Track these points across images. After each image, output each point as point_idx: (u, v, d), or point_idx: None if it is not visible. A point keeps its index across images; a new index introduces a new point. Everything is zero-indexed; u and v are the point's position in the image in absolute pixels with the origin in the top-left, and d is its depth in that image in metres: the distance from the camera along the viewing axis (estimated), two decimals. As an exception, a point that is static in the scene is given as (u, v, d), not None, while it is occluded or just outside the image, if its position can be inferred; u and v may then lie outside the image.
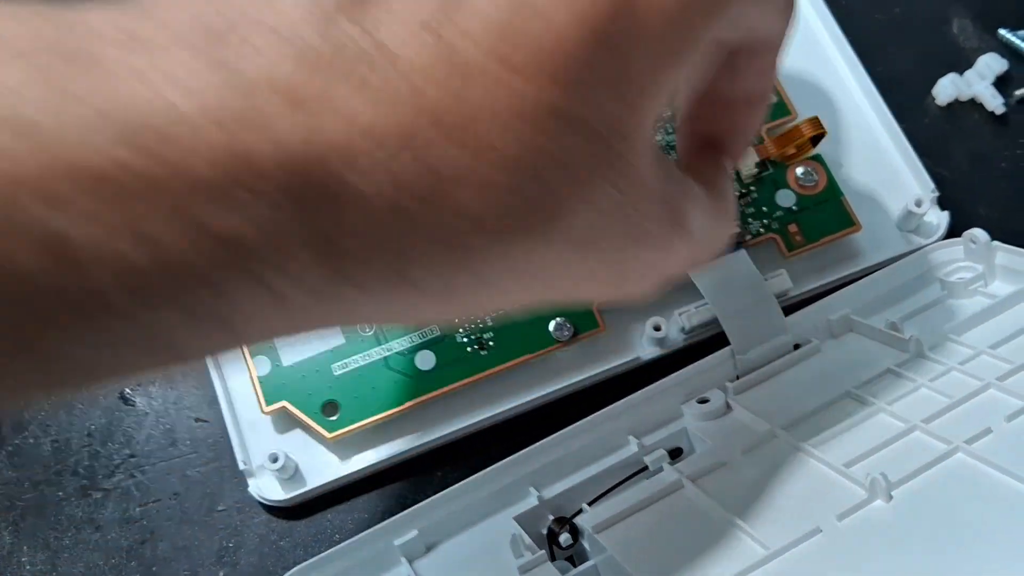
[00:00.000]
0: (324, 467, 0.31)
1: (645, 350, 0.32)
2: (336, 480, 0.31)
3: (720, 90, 0.21)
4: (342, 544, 0.27)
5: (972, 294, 0.31)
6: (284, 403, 0.30)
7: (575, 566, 0.26)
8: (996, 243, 0.32)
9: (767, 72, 0.22)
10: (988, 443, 0.24)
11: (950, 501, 0.23)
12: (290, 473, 0.30)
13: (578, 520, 0.27)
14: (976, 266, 0.32)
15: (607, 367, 0.32)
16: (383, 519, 0.28)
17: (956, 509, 0.23)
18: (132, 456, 0.32)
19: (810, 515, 0.24)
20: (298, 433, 0.31)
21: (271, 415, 0.31)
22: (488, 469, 0.28)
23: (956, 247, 0.32)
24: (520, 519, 0.27)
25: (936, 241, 0.33)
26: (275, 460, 0.30)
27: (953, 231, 0.33)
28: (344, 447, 0.31)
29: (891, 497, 0.23)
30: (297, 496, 0.30)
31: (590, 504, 0.28)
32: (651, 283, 0.19)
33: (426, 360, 0.31)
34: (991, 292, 0.31)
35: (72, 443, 0.32)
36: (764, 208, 0.33)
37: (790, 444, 0.27)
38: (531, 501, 0.28)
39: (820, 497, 0.24)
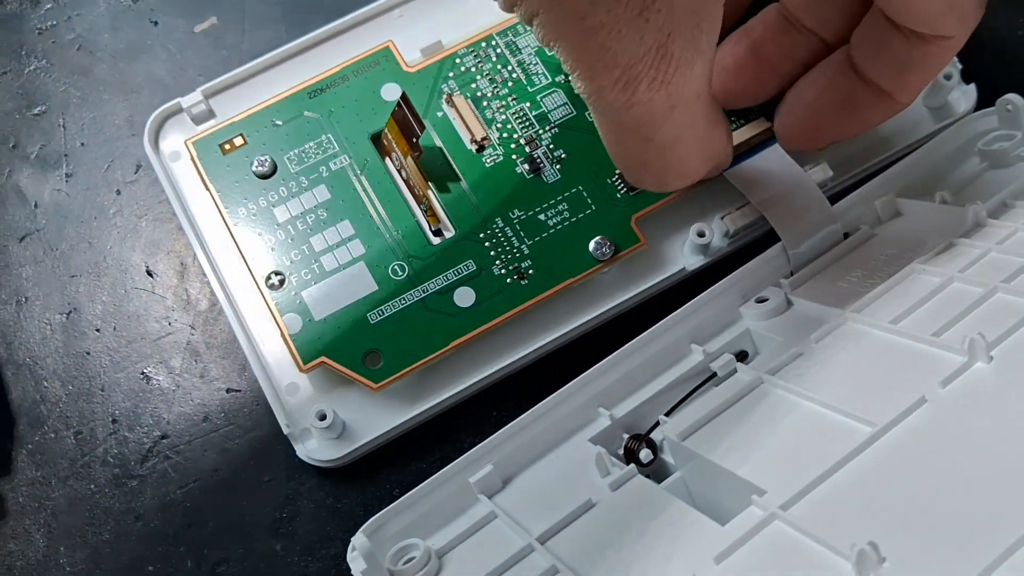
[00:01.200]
0: (374, 421, 0.29)
1: (690, 260, 0.31)
2: (388, 432, 0.29)
3: None
4: (416, 488, 0.25)
5: (1016, 160, 0.30)
6: (323, 358, 0.28)
7: (658, 483, 0.25)
8: (1032, 104, 0.31)
9: None
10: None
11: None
12: (339, 431, 0.29)
13: (656, 434, 0.25)
14: (1015, 132, 0.31)
15: (654, 282, 0.30)
16: (443, 466, 0.27)
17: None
18: (164, 437, 0.30)
19: (910, 387, 0.22)
20: (341, 389, 0.29)
21: (309, 373, 0.29)
22: (553, 395, 0.27)
23: (991, 116, 0.31)
24: (595, 440, 0.26)
25: (965, 113, 0.32)
26: (323, 418, 0.28)
27: (980, 105, 0.32)
28: (391, 397, 0.29)
29: (991, 358, 0.22)
30: (349, 454, 0.29)
31: (667, 414, 0.26)
32: None
33: (465, 297, 0.29)
34: (1037, 156, 0.30)
35: (97, 432, 0.30)
36: (792, 100, 0.32)
37: (867, 325, 0.25)
38: (603, 421, 0.26)
39: (915, 369, 0.23)
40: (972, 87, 0.33)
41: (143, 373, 0.30)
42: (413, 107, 0.29)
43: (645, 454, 0.25)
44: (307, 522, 0.28)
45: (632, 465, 0.24)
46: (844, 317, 0.26)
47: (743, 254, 0.30)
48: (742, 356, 0.28)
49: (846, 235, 0.30)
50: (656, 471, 0.26)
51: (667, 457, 0.25)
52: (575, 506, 0.24)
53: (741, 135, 0.31)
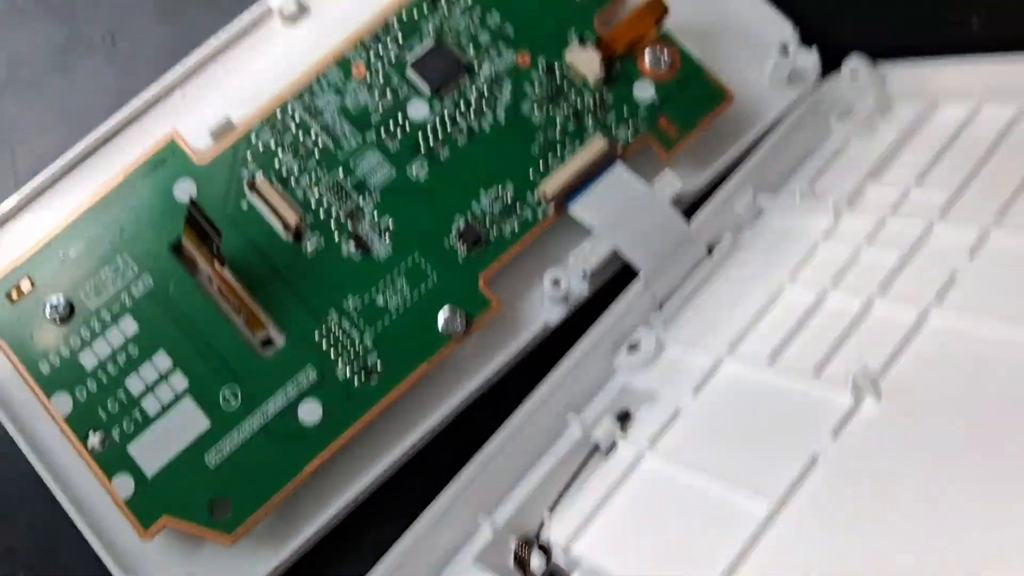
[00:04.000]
0: (246, 570, 0.26)
1: (551, 313, 0.28)
2: (266, 578, 0.26)
3: None
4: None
5: (874, 129, 0.28)
6: (165, 518, 0.25)
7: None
8: (881, 63, 0.28)
9: None
10: (959, 293, 0.21)
11: (948, 376, 0.20)
12: (204, 595, 0.25)
13: (544, 536, 0.23)
14: (867, 98, 0.28)
15: (517, 347, 0.27)
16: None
17: (960, 384, 0.19)
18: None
19: (800, 443, 0.20)
20: (196, 549, 0.26)
21: (153, 539, 0.25)
22: (423, 515, 0.24)
23: (838, 83, 0.29)
24: (482, 558, 0.23)
25: (813, 84, 0.30)
26: (181, 590, 0.25)
27: (829, 66, 0.30)
28: (254, 544, 0.26)
29: (880, 395, 0.20)
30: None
31: (551, 510, 0.23)
32: None
33: (311, 412, 0.26)
34: (895, 119, 0.28)
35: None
36: (625, 110, 0.29)
37: (744, 365, 0.23)
38: (485, 533, 0.23)
39: (802, 416, 0.21)
40: (814, 50, 0.30)
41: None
42: (202, 210, 0.25)
43: (537, 565, 0.23)
44: None
45: (520, 590, 0.21)
46: (720, 358, 0.23)
47: (609, 292, 0.27)
48: (624, 416, 0.25)
49: (711, 249, 0.27)
50: (558, 571, 0.23)
51: (560, 561, 0.23)
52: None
53: (582, 158, 0.28)
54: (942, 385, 0.19)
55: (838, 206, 0.25)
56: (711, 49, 0.30)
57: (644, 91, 0.29)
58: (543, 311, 0.27)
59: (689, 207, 0.28)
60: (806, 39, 0.30)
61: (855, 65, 0.28)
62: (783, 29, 0.30)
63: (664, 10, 0.29)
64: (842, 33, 0.31)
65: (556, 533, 0.22)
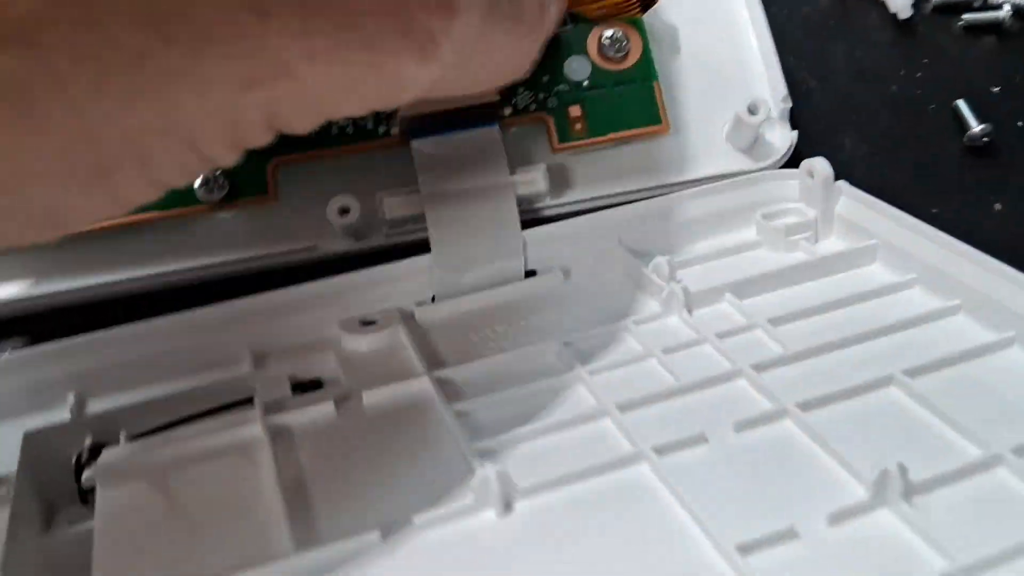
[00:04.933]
0: None
1: (330, 240, 0.23)
2: None
3: None
4: None
5: (792, 246, 0.22)
6: None
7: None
8: (841, 183, 0.22)
9: None
10: (693, 454, 0.16)
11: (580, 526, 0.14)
12: None
13: (102, 456, 0.18)
14: (809, 210, 0.23)
15: (269, 251, 0.23)
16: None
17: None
18: None
19: (376, 507, 0.15)
20: None
21: None
22: (15, 352, 0.19)
23: (791, 180, 0.23)
24: (35, 437, 0.18)
25: (769, 167, 0.24)
26: None
27: (799, 162, 0.24)
28: None
29: (510, 509, 0.15)
30: None
31: (136, 437, 0.19)
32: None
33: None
34: (817, 249, 0.22)
35: None
36: (544, 77, 0.23)
37: (421, 397, 0.18)
38: (62, 414, 0.19)
39: (431, 485, 0.16)
40: (793, 134, 0.24)
41: None
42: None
43: (88, 476, 0.18)
44: None
45: (12, 493, 0.17)
46: (422, 381, 0.18)
47: (406, 252, 0.22)
48: (313, 386, 0.20)
49: (531, 273, 0.22)
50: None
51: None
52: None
53: (453, 100, 0.22)
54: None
55: (672, 301, 0.20)
56: (684, 69, 0.25)
57: (578, 68, 0.23)
58: (324, 233, 0.23)
59: (542, 219, 0.23)
60: (795, 122, 0.24)
61: (815, 168, 0.22)
62: (777, 92, 0.24)
63: (653, -1, 0.23)
64: (834, 138, 0.25)
65: (106, 459, 0.17)
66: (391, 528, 0.15)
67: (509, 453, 0.16)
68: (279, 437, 0.17)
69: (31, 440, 0.18)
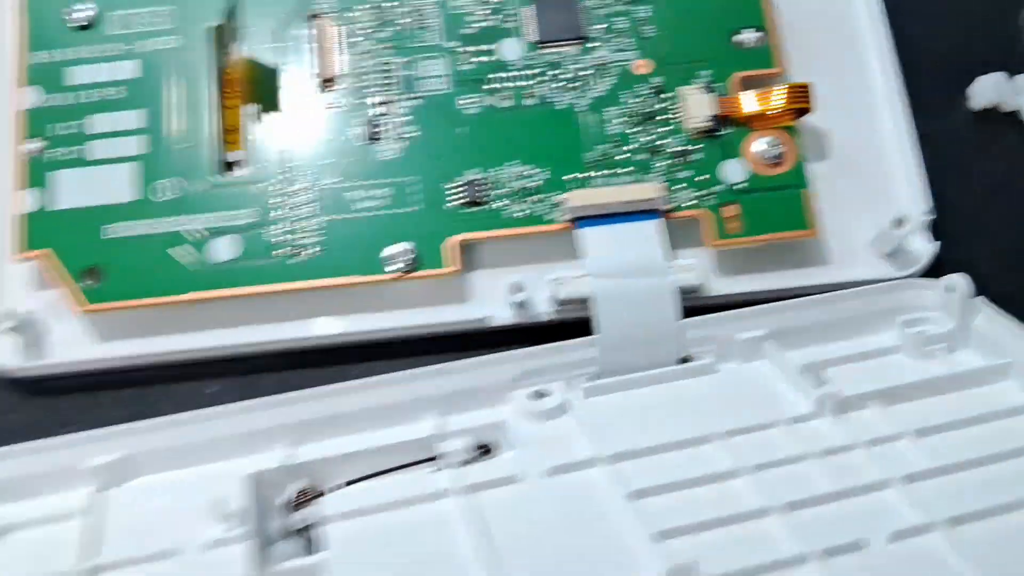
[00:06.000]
0: (75, 343, 0.25)
1: (501, 313, 0.25)
2: (84, 362, 0.24)
3: None
4: (20, 445, 0.21)
5: (929, 356, 0.24)
6: (45, 251, 0.24)
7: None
8: (980, 299, 0.24)
9: None
10: (850, 561, 0.18)
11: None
12: (32, 339, 0.24)
13: (325, 499, 0.20)
14: (947, 322, 0.24)
15: (444, 320, 0.25)
16: (128, 420, 0.22)
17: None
18: None
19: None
20: (54, 295, 0.25)
21: (29, 263, 0.24)
22: (236, 404, 0.22)
23: (930, 291, 0.25)
24: (259, 477, 0.21)
25: (909, 276, 0.26)
26: (10, 318, 0.24)
27: (939, 270, 0.25)
28: (104, 326, 0.25)
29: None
30: (34, 368, 0.24)
31: (349, 484, 0.21)
32: None
33: (224, 249, 0.24)
34: (954, 360, 0.24)
35: None
36: (703, 176, 0.25)
37: (609, 483, 0.20)
38: (272, 459, 0.21)
39: (604, 567, 0.18)
40: (934, 246, 0.26)
41: None
42: (236, 12, 0.24)
43: (300, 517, 0.21)
44: (-45, 422, 0.24)
45: (246, 528, 0.19)
46: (597, 461, 0.20)
47: (567, 330, 0.24)
48: (485, 450, 0.22)
49: (685, 359, 0.24)
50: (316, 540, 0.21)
51: (323, 532, 0.20)
52: (154, 550, 0.19)
53: (624, 192, 0.25)
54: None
55: (824, 404, 0.22)
56: (832, 177, 0.26)
57: (734, 171, 0.25)
58: (494, 305, 0.25)
59: (693, 308, 0.25)
60: (938, 233, 0.26)
61: (954, 283, 0.24)
62: (920, 205, 0.26)
63: (807, 106, 0.25)
64: (974, 250, 0.27)
65: (327, 506, 0.20)
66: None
67: (687, 542, 0.18)
68: (466, 498, 0.20)
69: (253, 481, 0.21)
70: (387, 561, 0.19)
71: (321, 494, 0.21)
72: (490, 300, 0.25)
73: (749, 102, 0.25)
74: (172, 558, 0.19)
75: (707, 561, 0.17)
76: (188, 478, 0.21)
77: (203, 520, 0.20)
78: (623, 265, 0.24)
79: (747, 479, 0.20)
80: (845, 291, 0.25)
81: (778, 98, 0.25)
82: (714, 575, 0.17)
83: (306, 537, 0.21)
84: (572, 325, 0.25)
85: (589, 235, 0.24)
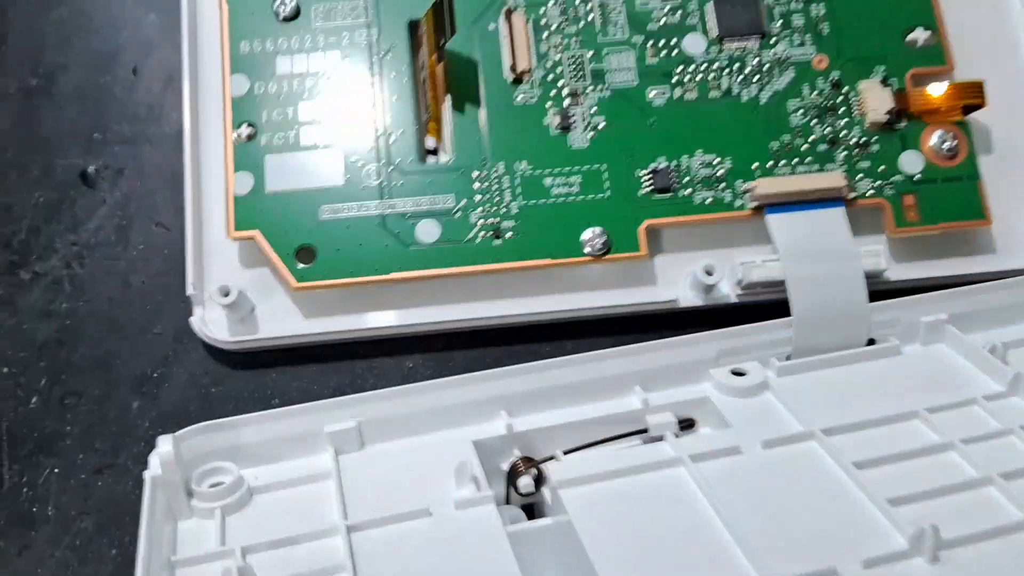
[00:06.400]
0: (282, 318, 0.26)
1: (687, 294, 0.26)
2: (291, 337, 0.26)
3: None
4: (263, 412, 0.23)
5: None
6: (256, 232, 0.26)
7: (531, 517, 0.21)
8: None
9: None
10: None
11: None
12: (243, 314, 0.26)
13: (547, 467, 0.22)
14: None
15: (635, 301, 0.26)
16: (333, 395, 0.24)
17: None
18: (75, 244, 0.27)
19: (828, 550, 0.18)
20: (264, 273, 0.26)
21: (238, 242, 0.26)
22: (459, 376, 0.23)
23: (1105, 278, 0.26)
24: (479, 445, 0.22)
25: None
26: (226, 294, 0.25)
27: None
28: (310, 303, 0.26)
29: (937, 559, 0.18)
30: (244, 342, 0.26)
31: (566, 453, 0.23)
32: None
33: (429, 232, 0.26)
34: None
35: (13, 210, 0.27)
36: (882, 167, 0.27)
37: (827, 455, 0.21)
38: (498, 427, 0.23)
39: (845, 531, 0.19)
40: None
41: (84, 172, 0.28)
42: (452, 5, 0.25)
43: (526, 483, 0.22)
44: (173, 391, 0.26)
45: (490, 492, 0.21)
46: (809, 435, 0.22)
47: (751, 313, 0.26)
48: (687, 424, 0.24)
49: (871, 341, 0.25)
50: (538, 505, 0.23)
51: (547, 497, 0.22)
52: (408, 509, 0.20)
53: (811, 181, 0.26)
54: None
55: (1017, 382, 0.23)
56: (1001, 167, 0.28)
57: (912, 163, 0.27)
58: (681, 288, 0.26)
59: (876, 292, 0.26)
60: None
61: None
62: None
63: (981, 101, 0.26)
64: None
65: (558, 473, 0.21)
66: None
67: (917, 509, 0.19)
68: (696, 466, 0.21)
69: (480, 448, 0.22)
70: (627, 523, 0.20)
71: (534, 462, 0.23)
72: (672, 283, 0.26)
73: (936, 96, 0.26)
74: (426, 517, 0.20)
75: (944, 526, 0.18)
76: (417, 444, 0.23)
77: (442, 483, 0.21)
78: (814, 249, 0.25)
79: (959, 451, 0.21)
80: (1019, 277, 0.26)
81: (956, 94, 0.26)
82: (956, 537, 0.18)
83: (528, 502, 0.22)
84: (751, 308, 0.26)
85: (779, 220, 0.25)
